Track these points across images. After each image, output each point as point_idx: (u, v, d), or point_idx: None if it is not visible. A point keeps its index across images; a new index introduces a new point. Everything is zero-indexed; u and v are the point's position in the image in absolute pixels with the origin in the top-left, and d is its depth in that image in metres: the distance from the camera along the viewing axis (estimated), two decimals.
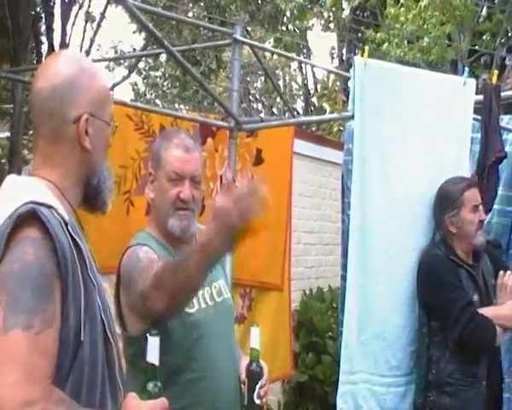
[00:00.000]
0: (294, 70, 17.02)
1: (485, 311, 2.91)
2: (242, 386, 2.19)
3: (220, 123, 3.93)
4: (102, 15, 12.41)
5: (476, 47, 11.09)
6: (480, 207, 3.05)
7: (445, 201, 3.06)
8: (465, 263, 3.02)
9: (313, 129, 10.16)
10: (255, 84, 17.28)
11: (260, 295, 4.39)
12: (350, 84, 3.16)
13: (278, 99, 16.28)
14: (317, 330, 6.04)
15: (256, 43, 4.52)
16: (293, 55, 10.63)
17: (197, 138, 3.64)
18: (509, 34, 11.49)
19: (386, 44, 10.07)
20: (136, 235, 2.23)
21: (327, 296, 6.45)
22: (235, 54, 3.77)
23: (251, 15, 14.63)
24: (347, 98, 3.80)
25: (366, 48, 3.11)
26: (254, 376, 2.14)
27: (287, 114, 12.86)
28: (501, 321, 2.89)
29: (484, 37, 11.43)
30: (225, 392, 2.16)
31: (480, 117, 3.28)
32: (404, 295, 3.11)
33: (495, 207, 3.33)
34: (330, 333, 5.94)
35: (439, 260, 3.02)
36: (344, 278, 4.33)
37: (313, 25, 15.37)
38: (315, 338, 6.06)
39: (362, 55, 3.14)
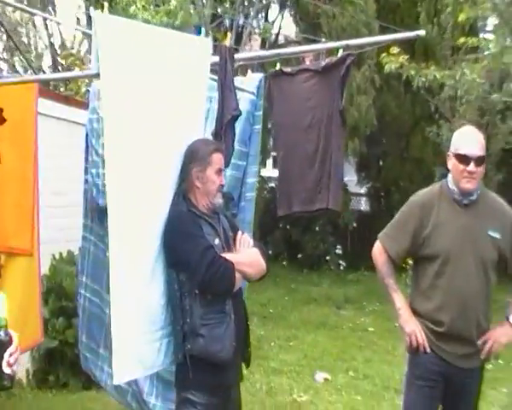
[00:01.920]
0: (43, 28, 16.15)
1: (226, 256, 3.13)
2: None
3: None
4: None
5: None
6: (222, 173, 3.27)
7: (195, 156, 3.21)
8: (204, 215, 3.21)
9: (61, 90, 9.82)
10: None
11: (10, 261, 4.22)
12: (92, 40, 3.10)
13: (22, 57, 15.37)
14: (67, 295, 5.97)
15: None
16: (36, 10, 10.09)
17: None
18: (246, 3, 12.18)
19: (133, 7, 10.02)
20: None
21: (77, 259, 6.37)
22: None
23: None
24: None
25: (105, 3, 3.08)
26: (2, 345, 2.09)
27: (29, 71, 12.24)
28: (240, 267, 3.14)
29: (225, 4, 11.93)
30: None
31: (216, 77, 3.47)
32: (155, 253, 3.14)
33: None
34: None
35: (180, 212, 3.17)
36: (85, 238, 4.33)
37: None
38: (65, 302, 5.99)
39: (102, 11, 3.09)
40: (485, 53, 8.21)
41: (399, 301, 3.45)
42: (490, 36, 8.01)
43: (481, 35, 8.31)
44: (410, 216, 3.43)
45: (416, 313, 3.43)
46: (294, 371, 7.02)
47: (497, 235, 3.35)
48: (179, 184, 3.26)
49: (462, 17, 7.60)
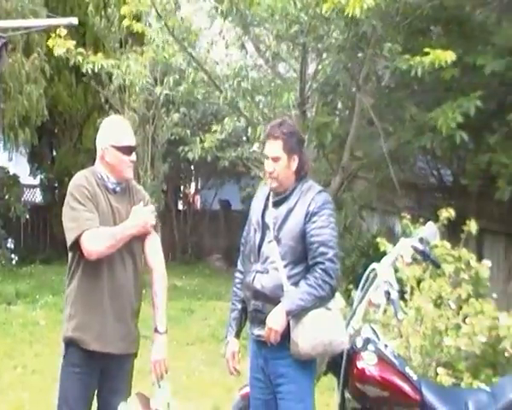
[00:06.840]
0: None
1: None
2: None
3: None
4: None
5: None
6: None
7: None
8: None
9: None
10: None
11: None
12: None
13: None
14: None
15: None
16: None
17: None
18: None
19: None
20: None
21: None
22: None
23: None
24: None
25: None
26: None
27: None
28: None
29: None
30: None
31: None
32: None
33: None
34: None
35: None
36: None
37: None
38: None
39: None
40: (150, 46, 8.52)
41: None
42: (153, 30, 8.33)
43: (147, 28, 8.60)
44: (84, 191, 3.39)
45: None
46: None
47: None
48: None
49: (124, 11, 7.80)
